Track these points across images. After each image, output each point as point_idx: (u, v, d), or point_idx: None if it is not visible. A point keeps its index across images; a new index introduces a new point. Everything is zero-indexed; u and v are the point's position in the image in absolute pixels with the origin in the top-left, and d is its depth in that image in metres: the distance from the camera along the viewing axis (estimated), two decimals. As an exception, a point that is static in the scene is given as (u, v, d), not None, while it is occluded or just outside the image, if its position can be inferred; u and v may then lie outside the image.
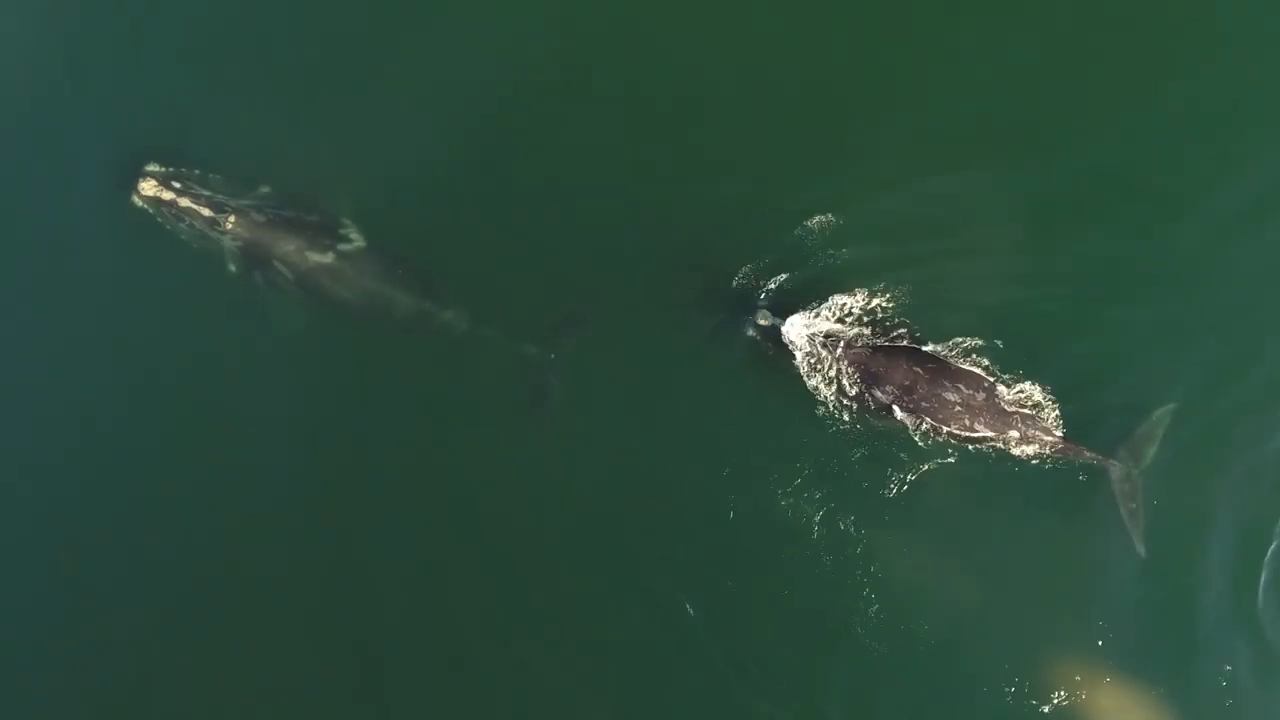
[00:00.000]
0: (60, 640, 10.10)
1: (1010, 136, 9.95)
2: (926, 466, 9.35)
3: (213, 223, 10.12)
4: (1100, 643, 9.05)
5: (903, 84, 10.14)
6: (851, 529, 9.31)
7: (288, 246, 10.09)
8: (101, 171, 10.49)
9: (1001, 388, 9.31)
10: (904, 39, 10.26)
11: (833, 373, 9.43)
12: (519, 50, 10.42)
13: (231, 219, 10.12)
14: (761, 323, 9.60)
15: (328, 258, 10.07)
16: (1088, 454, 9.15)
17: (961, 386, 9.26)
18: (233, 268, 10.21)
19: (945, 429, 9.28)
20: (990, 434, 9.26)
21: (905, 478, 9.35)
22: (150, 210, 10.23)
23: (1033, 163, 9.83)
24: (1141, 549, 9.05)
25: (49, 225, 10.62)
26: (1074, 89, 9.96)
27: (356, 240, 10.17)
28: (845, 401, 9.46)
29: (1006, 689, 9.00)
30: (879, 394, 9.34)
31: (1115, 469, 9.08)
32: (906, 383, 9.28)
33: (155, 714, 9.97)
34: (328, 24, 10.81)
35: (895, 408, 9.33)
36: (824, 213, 9.78)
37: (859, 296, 9.60)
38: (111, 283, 10.46)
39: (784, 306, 9.64)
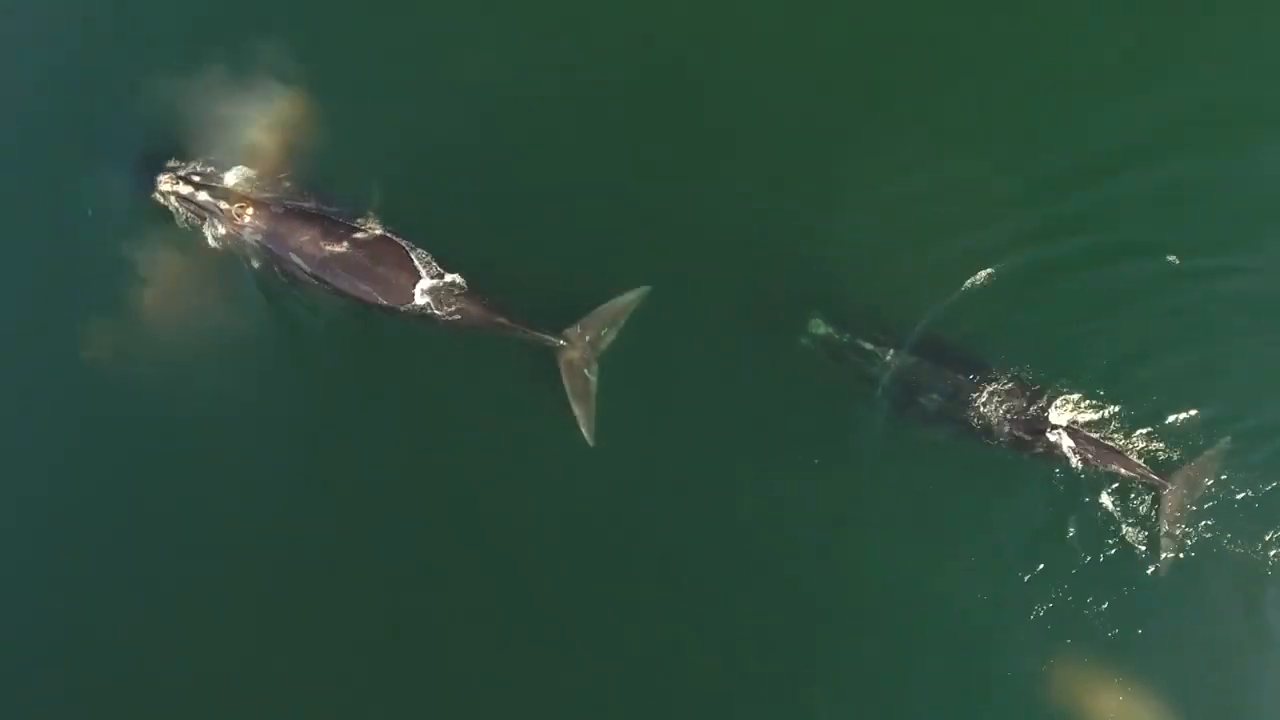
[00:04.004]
0: (59, 641, 10.10)
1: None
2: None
3: (230, 216, 10.12)
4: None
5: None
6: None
7: (303, 237, 10.02)
8: (123, 167, 10.51)
9: (1043, 398, 9.32)
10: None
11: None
12: (557, 40, 10.46)
13: (250, 212, 10.11)
14: (815, 331, 9.59)
15: (342, 246, 9.99)
16: (1140, 470, 9.11)
17: (1003, 395, 9.27)
18: (255, 262, 10.19)
19: (988, 438, 9.30)
20: (1030, 438, 9.25)
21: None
22: (170, 206, 10.27)
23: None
24: (1163, 570, 9.04)
25: (67, 221, 10.62)
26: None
27: (373, 229, 10.09)
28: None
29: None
30: (924, 401, 9.37)
31: (1171, 494, 9.03)
32: (950, 391, 9.33)
33: (155, 714, 9.95)
34: (348, 17, 10.85)
35: (940, 415, 9.37)
36: (882, 216, 9.75)
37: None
38: (119, 279, 10.40)
39: (842, 316, 9.67)
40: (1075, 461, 9.16)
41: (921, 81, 10.15)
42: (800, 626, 9.39)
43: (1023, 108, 10.01)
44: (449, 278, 9.91)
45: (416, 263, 9.94)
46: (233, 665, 9.79)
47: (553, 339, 9.64)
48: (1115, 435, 9.28)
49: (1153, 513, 9.08)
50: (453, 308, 9.83)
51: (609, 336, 9.70)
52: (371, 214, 10.16)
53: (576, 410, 9.58)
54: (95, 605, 10.02)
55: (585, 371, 9.61)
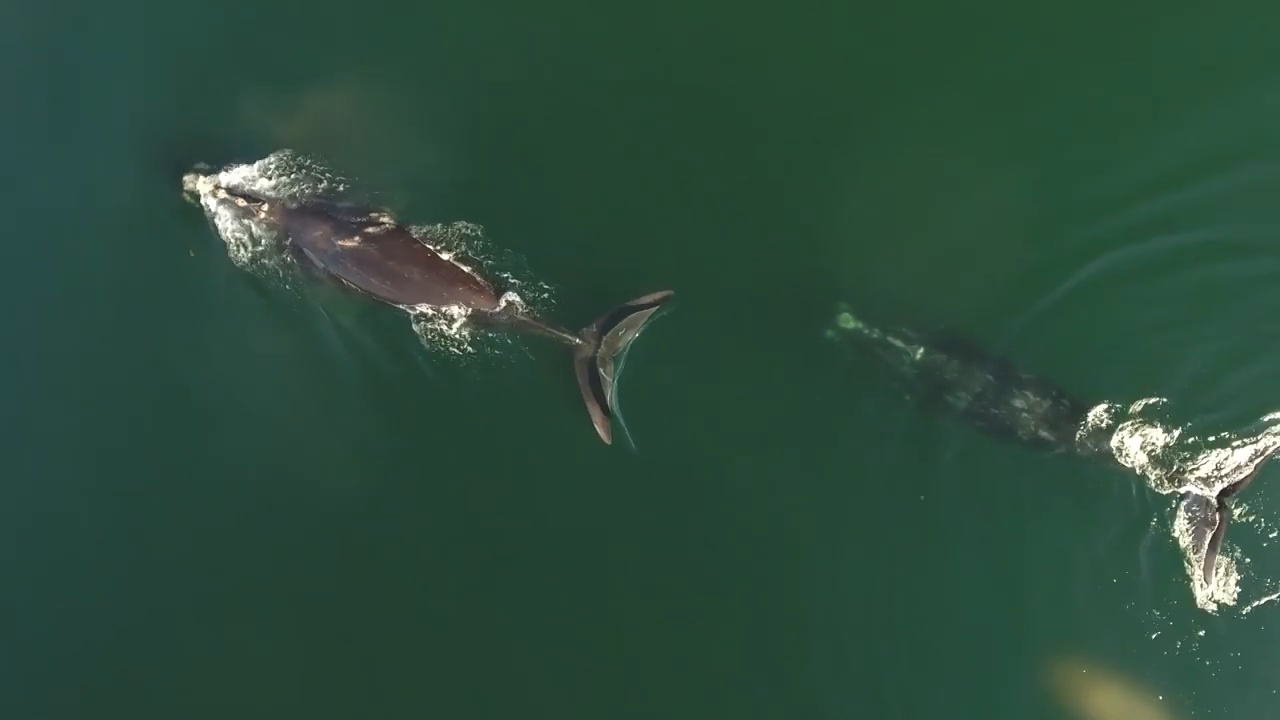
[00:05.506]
0: (60, 643, 10.05)
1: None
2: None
3: (249, 213, 10.18)
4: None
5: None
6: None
7: (316, 232, 10.03)
8: (151, 166, 10.56)
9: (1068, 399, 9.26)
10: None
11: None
12: (575, 42, 10.47)
13: (265, 208, 10.18)
14: (844, 325, 9.49)
15: (353, 241, 9.93)
16: (1161, 474, 9.02)
17: (1029, 394, 9.22)
18: (273, 260, 10.21)
19: (1010, 435, 9.24)
20: (1052, 439, 9.18)
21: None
22: (197, 203, 10.33)
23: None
24: (1209, 583, 8.86)
25: (90, 220, 10.66)
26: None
27: (386, 223, 10.07)
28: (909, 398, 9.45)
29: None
30: (951, 400, 9.30)
31: (1199, 497, 8.89)
32: (977, 389, 9.26)
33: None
34: (374, 15, 10.89)
35: (967, 413, 9.30)
36: (902, 219, 9.68)
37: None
38: (133, 282, 10.50)
39: (869, 307, 9.57)
40: (1090, 460, 9.11)
41: (941, 71, 10.09)
42: (811, 630, 9.29)
43: (1052, 98, 9.96)
44: (468, 269, 9.88)
45: (431, 256, 9.89)
46: (234, 667, 9.70)
47: (570, 337, 9.61)
48: (1146, 436, 9.20)
49: (1184, 520, 8.97)
50: (469, 303, 9.76)
51: (628, 337, 9.66)
52: (390, 209, 10.17)
53: (591, 409, 9.54)
54: (96, 607, 9.98)
55: (602, 371, 9.55)
